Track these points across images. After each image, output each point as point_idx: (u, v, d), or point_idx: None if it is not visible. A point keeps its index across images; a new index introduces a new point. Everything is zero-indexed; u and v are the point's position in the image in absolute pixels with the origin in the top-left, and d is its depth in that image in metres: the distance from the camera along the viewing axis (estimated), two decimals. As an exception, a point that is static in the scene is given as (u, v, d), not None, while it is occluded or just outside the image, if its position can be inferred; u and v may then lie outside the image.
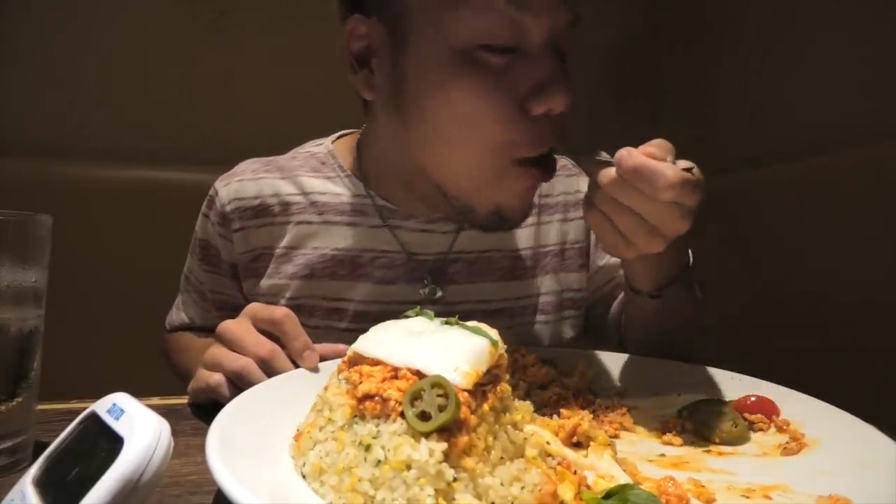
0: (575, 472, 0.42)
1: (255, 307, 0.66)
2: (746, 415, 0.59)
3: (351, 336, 0.81)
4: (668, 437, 0.57)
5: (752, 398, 0.61)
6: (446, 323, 0.49)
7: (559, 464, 0.44)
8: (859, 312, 1.19)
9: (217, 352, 0.64)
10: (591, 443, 0.47)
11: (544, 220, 0.96)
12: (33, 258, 0.52)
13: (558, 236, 0.96)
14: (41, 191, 1.47)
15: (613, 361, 0.75)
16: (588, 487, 0.41)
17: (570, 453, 0.45)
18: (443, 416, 0.38)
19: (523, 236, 0.94)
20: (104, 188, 1.52)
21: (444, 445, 0.38)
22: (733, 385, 0.66)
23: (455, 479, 0.37)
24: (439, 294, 0.88)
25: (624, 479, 0.42)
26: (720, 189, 1.73)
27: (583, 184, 0.98)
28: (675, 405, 0.64)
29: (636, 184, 0.56)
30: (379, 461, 0.38)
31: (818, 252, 1.29)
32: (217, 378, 0.62)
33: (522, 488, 0.39)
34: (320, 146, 0.96)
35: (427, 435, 0.38)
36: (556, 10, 0.69)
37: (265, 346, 0.62)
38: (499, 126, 0.69)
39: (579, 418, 0.49)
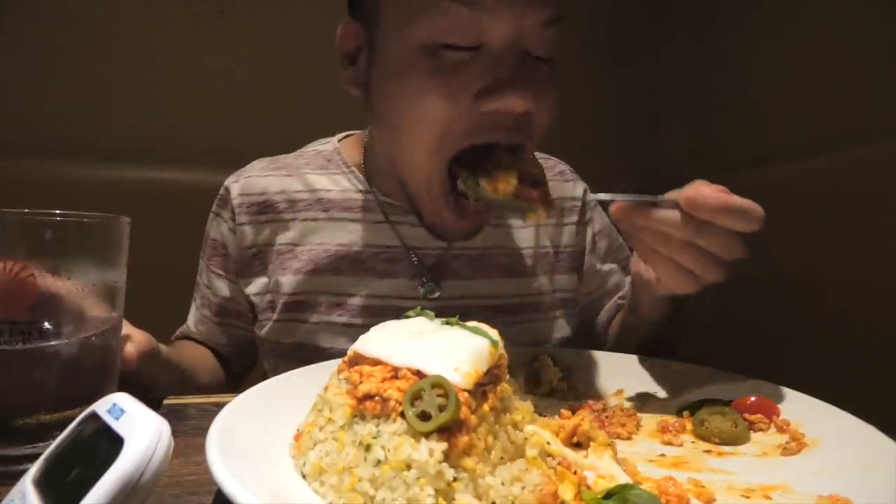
0: (575, 473, 0.42)
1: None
2: (746, 415, 0.59)
3: (352, 331, 0.83)
4: (668, 437, 0.57)
5: (753, 398, 0.61)
6: (447, 323, 0.49)
7: (559, 464, 0.44)
8: (860, 312, 1.19)
9: None
10: (591, 443, 0.47)
11: (542, 222, 0.97)
12: (114, 259, 0.52)
13: (553, 239, 0.99)
14: (41, 191, 1.47)
15: (613, 362, 0.75)
16: (588, 488, 0.41)
17: (570, 453, 0.45)
18: (443, 416, 0.38)
19: (522, 236, 0.96)
20: (104, 188, 1.52)
21: (444, 445, 0.38)
22: (733, 385, 0.66)
23: (455, 479, 0.37)
24: (437, 293, 0.88)
25: (624, 479, 0.42)
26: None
27: (578, 190, 1.02)
28: (676, 405, 0.64)
29: (725, 220, 0.56)
30: (379, 461, 0.38)
31: (818, 251, 1.29)
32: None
33: (523, 488, 0.39)
34: (326, 144, 0.98)
35: (427, 435, 0.38)
36: (521, 11, 0.68)
37: None
38: (444, 116, 0.70)
39: (579, 419, 0.49)
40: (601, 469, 0.43)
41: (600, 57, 1.95)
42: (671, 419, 0.60)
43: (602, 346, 0.99)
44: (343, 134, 1.00)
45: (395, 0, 0.73)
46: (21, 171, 1.47)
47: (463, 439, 0.38)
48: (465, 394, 0.40)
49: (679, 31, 1.94)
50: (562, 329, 0.98)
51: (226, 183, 0.94)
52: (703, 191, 0.56)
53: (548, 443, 0.45)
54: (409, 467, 0.37)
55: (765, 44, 1.57)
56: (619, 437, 0.57)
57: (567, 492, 0.39)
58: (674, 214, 0.58)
